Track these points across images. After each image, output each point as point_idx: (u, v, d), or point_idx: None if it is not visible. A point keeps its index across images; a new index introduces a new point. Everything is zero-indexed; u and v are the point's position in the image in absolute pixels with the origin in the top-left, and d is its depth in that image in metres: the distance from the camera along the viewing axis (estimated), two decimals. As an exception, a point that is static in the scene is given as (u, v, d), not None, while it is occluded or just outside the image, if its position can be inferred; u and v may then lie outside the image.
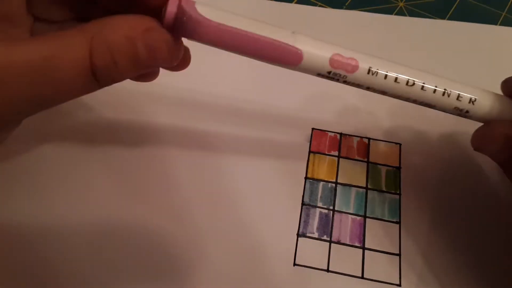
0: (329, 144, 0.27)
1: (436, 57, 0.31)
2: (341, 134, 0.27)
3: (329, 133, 0.27)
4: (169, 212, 0.24)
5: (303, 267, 0.23)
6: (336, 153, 0.27)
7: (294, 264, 0.23)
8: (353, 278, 0.23)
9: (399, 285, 0.22)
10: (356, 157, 0.26)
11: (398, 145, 0.27)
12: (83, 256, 0.23)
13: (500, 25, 0.35)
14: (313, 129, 0.28)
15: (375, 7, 0.36)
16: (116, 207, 0.24)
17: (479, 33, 0.33)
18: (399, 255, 0.23)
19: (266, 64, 0.18)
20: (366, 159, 0.26)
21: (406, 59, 0.27)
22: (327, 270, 0.23)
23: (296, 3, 0.36)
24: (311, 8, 0.35)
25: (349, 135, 0.27)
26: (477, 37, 0.33)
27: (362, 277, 0.23)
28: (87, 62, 0.15)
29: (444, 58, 0.31)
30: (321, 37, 0.18)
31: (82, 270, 0.22)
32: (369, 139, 0.27)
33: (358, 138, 0.27)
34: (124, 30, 0.15)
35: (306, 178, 0.26)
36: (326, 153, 0.27)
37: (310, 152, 0.27)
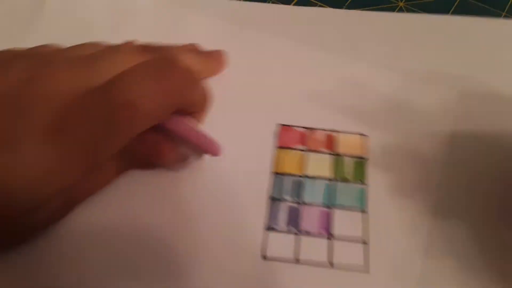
0: (296, 138, 0.27)
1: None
2: (307, 128, 0.28)
3: (296, 128, 0.28)
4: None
5: (272, 261, 0.23)
6: (303, 147, 0.27)
7: (264, 258, 0.23)
8: (322, 268, 0.23)
9: (368, 271, 0.22)
10: (323, 150, 0.27)
11: (364, 136, 0.27)
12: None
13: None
14: (279, 124, 0.28)
15: (375, 6, 0.36)
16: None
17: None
18: (366, 243, 0.23)
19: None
20: (332, 151, 0.27)
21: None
22: (296, 262, 0.23)
23: (295, 4, 0.36)
24: (308, 9, 0.36)
25: (315, 128, 0.28)
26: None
27: (331, 266, 0.23)
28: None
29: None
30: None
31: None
32: (335, 131, 0.27)
33: (325, 131, 0.28)
34: (132, 146, 0.21)
35: (273, 173, 0.26)
36: (293, 147, 0.27)
37: (276, 147, 0.27)
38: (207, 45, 0.30)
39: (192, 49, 0.28)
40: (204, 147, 0.23)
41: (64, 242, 0.23)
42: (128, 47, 0.23)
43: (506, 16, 0.36)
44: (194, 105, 0.24)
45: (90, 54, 0.22)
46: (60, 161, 0.18)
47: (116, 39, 0.24)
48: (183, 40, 0.29)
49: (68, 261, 0.23)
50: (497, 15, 0.36)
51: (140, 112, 0.20)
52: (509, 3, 0.37)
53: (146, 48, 0.23)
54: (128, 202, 0.24)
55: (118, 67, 0.21)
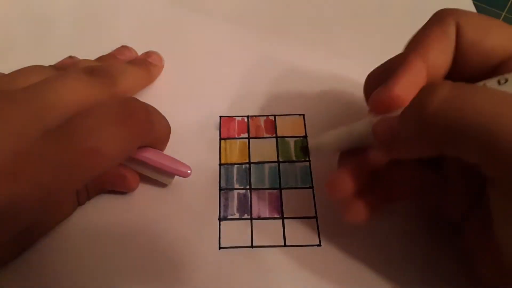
0: (238, 128, 0.28)
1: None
2: (248, 116, 0.28)
3: (237, 118, 0.28)
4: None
5: (228, 249, 0.23)
6: (245, 135, 0.27)
7: (220, 248, 0.23)
8: (277, 248, 0.23)
9: (319, 245, 0.23)
10: (265, 135, 0.28)
11: (302, 115, 0.28)
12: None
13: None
14: (220, 116, 0.28)
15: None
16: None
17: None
18: (315, 217, 0.24)
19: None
20: (274, 135, 0.27)
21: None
22: (252, 246, 0.23)
23: None
24: None
25: (255, 116, 0.28)
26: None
27: (285, 245, 0.23)
28: (76, 203, 0.24)
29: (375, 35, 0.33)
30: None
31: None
32: (274, 115, 0.28)
33: (265, 117, 0.28)
34: (100, 178, 0.23)
35: (220, 164, 0.26)
36: (236, 137, 0.27)
37: (220, 139, 0.27)
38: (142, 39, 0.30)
39: (132, 60, 0.29)
40: (174, 171, 0.24)
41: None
42: (74, 73, 0.22)
43: (506, 16, 0.36)
44: (155, 141, 0.24)
45: (35, 85, 0.21)
46: (13, 204, 0.18)
47: (39, 50, 0.24)
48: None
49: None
50: (497, 15, 0.37)
51: (104, 157, 0.20)
52: (509, 3, 0.38)
53: (92, 72, 0.23)
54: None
55: (68, 96, 0.20)
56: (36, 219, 0.20)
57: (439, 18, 0.19)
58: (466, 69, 0.19)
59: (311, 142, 0.23)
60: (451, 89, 0.16)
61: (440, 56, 0.19)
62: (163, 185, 0.25)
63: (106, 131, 0.20)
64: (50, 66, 0.24)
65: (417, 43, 0.19)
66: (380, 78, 0.21)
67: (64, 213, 0.24)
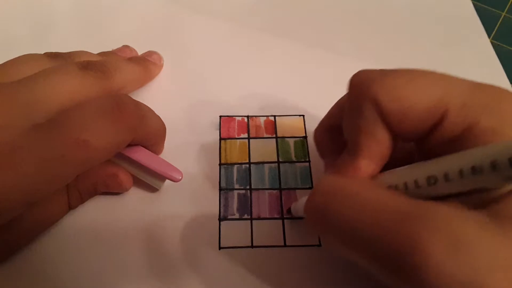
0: (238, 127, 0.28)
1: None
2: (247, 116, 0.28)
3: (237, 118, 0.28)
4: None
5: (228, 249, 0.23)
6: (245, 135, 0.27)
7: (220, 248, 0.23)
8: (277, 248, 0.24)
9: (319, 245, 0.23)
10: (265, 135, 0.28)
11: (302, 116, 0.28)
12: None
13: (500, 25, 0.35)
14: (220, 116, 0.28)
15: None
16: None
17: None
18: (315, 217, 0.24)
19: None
20: (274, 135, 0.28)
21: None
22: (252, 246, 0.24)
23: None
24: None
25: (255, 116, 0.28)
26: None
27: (285, 245, 0.24)
28: (67, 205, 0.24)
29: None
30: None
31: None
32: (274, 116, 0.28)
33: (265, 117, 0.28)
34: (92, 179, 0.24)
35: (220, 164, 0.26)
36: (236, 137, 0.27)
37: (220, 139, 0.27)
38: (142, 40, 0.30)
39: (130, 57, 0.29)
40: (165, 174, 0.24)
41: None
42: (68, 66, 0.22)
43: (506, 16, 0.36)
44: (148, 138, 0.24)
45: (27, 78, 0.20)
46: None
47: (39, 50, 0.24)
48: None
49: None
50: (497, 15, 0.37)
51: (92, 149, 0.20)
52: (509, 3, 0.37)
53: (86, 66, 0.23)
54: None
55: (59, 90, 0.20)
56: (20, 213, 0.20)
57: (357, 106, 0.18)
58: (412, 131, 0.17)
59: (292, 205, 0.24)
60: (322, 193, 0.17)
61: (380, 145, 0.18)
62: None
63: (95, 123, 0.20)
64: (45, 54, 0.24)
65: (356, 147, 0.18)
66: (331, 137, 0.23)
67: (53, 213, 0.24)
